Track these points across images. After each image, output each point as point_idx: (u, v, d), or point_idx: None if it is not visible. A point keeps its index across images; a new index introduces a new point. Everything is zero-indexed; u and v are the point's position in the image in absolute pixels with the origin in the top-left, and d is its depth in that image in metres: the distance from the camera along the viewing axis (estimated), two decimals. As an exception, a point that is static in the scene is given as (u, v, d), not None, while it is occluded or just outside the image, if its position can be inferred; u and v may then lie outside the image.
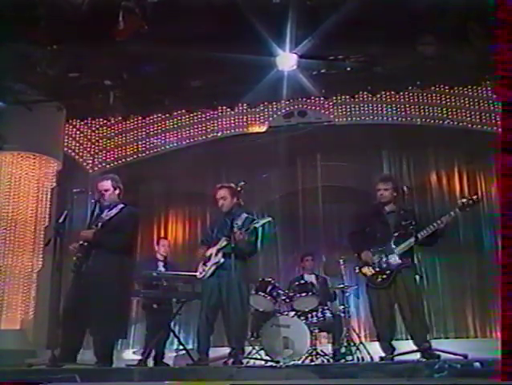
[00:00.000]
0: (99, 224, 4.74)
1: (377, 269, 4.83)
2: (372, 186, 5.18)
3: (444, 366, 3.45)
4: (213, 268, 4.99)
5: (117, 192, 4.91)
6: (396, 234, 4.83)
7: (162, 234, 9.35)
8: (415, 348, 4.65)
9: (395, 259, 4.78)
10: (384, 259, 4.81)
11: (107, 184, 4.90)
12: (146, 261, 7.32)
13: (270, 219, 5.10)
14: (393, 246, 4.81)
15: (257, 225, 4.97)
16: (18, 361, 5.39)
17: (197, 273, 5.12)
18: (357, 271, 5.05)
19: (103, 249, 4.66)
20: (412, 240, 4.76)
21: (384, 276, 4.79)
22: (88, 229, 4.78)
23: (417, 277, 4.84)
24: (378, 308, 4.89)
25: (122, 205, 4.89)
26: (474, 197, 4.85)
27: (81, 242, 4.68)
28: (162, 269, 6.62)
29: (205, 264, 5.07)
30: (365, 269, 4.90)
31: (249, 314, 5.50)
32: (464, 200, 4.84)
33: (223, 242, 4.98)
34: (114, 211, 4.83)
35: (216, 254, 5.00)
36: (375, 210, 5.09)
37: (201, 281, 5.15)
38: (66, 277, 4.77)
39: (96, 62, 6.87)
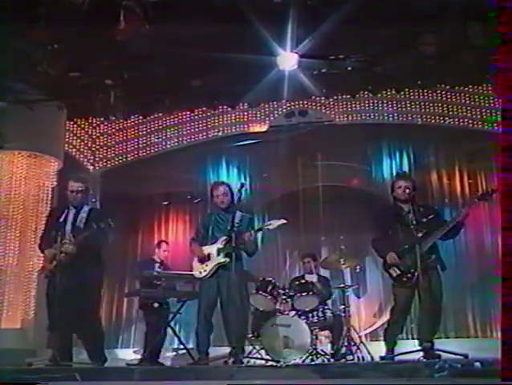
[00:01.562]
0: (71, 230, 4.86)
1: (402, 270, 4.83)
2: (390, 184, 5.16)
3: (444, 366, 3.46)
4: (216, 268, 4.93)
5: (87, 193, 5.11)
6: (419, 235, 4.76)
7: (163, 234, 9.36)
8: (415, 348, 4.66)
9: (418, 258, 4.71)
10: (409, 260, 4.79)
11: (80, 185, 5.02)
12: (143, 262, 7.34)
13: (284, 221, 4.95)
14: (417, 245, 4.74)
15: (270, 227, 4.91)
16: (18, 360, 5.38)
17: (197, 273, 5.05)
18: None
19: (79, 254, 4.77)
20: (436, 236, 4.80)
21: (409, 275, 4.78)
22: (58, 230, 4.84)
23: (440, 271, 4.87)
24: (403, 307, 4.92)
25: (88, 208, 5.04)
26: (490, 189, 4.93)
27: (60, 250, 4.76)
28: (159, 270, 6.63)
29: (203, 263, 4.99)
30: (391, 271, 4.90)
31: (249, 313, 5.48)
32: (482, 192, 4.98)
33: (224, 242, 4.92)
34: (84, 215, 4.95)
35: (217, 254, 4.93)
36: (393, 212, 5.05)
37: (199, 281, 5.10)
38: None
39: (97, 62, 6.87)
